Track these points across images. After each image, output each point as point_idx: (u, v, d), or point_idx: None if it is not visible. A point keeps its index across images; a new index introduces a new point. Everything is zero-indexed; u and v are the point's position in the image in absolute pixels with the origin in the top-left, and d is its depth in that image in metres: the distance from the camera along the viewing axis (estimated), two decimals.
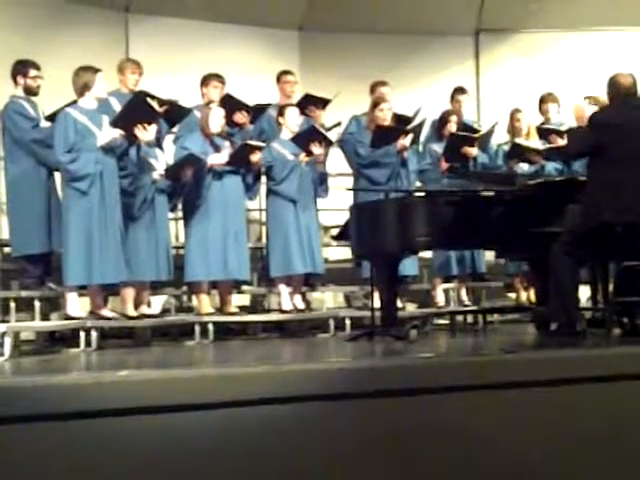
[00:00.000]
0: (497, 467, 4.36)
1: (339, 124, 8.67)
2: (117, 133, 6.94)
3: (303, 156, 7.97)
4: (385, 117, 8.27)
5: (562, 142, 8.39)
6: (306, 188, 8.04)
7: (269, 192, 8.12)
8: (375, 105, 8.35)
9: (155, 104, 7.14)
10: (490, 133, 8.76)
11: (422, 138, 8.79)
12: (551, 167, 8.49)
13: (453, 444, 4.28)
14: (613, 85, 6.12)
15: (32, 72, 7.35)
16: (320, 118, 8.56)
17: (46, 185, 7.22)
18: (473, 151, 8.47)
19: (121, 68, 7.75)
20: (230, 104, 7.97)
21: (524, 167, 8.55)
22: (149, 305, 7.80)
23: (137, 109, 7.03)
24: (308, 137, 7.98)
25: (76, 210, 6.82)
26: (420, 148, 8.74)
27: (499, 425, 4.39)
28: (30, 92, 7.37)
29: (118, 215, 6.97)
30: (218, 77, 8.13)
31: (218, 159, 7.64)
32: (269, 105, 8.51)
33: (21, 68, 7.35)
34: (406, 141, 8.21)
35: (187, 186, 7.55)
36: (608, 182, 5.91)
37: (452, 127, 8.64)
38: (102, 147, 6.87)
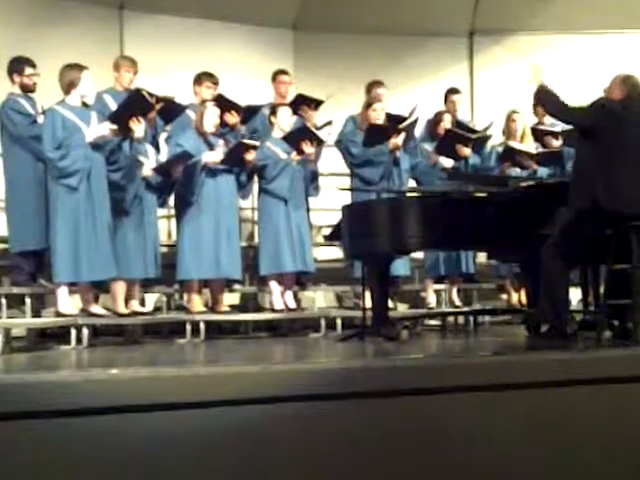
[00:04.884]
0: (486, 468, 4.37)
1: (330, 123, 8.67)
2: (106, 130, 6.97)
3: (294, 155, 7.97)
4: (378, 117, 8.28)
5: (557, 144, 8.44)
6: (297, 187, 8.05)
7: (261, 191, 8.13)
8: (368, 105, 8.36)
9: (149, 97, 7.16)
10: (487, 137, 8.75)
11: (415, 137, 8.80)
12: (544, 172, 8.50)
13: (443, 445, 4.29)
14: (633, 85, 6.14)
15: (27, 70, 7.35)
16: (312, 118, 8.56)
17: (44, 181, 7.20)
18: (467, 151, 8.47)
19: (116, 66, 7.76)
20: (222, 104, 7.96)
21: (517, 170, 8.57)
22: (143, 303, 7.80)
23: (133, 103, 7.07)
24: (299, 136, 7.98)
25: (64, 207, 6.83)
26: (413, 145, 8.73)
27: (489, 427, 4.40)
28: (26, 89, 7.37)
29: (106, 212, 6.99)
30: (211, 77, 8.12)
31: (212, 157, 7.63)
32: (261, 106, 8.50)
33: (16, 66, 7.36)
34: (398, 140, 8.22)
35: (178, 183, 7.55)
36: (597, 168, 5.94)
37: (446, 126, 8.64)
38: (90, 143, 6.89)
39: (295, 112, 8.40)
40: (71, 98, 7.01)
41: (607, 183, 5.89)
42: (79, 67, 7.00)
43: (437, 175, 8.47)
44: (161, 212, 7.93)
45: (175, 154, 7.51)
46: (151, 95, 7.26)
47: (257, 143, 7.93)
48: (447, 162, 8.56)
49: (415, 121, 8.41)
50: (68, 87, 6.98)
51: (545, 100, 6.39)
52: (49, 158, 6.87)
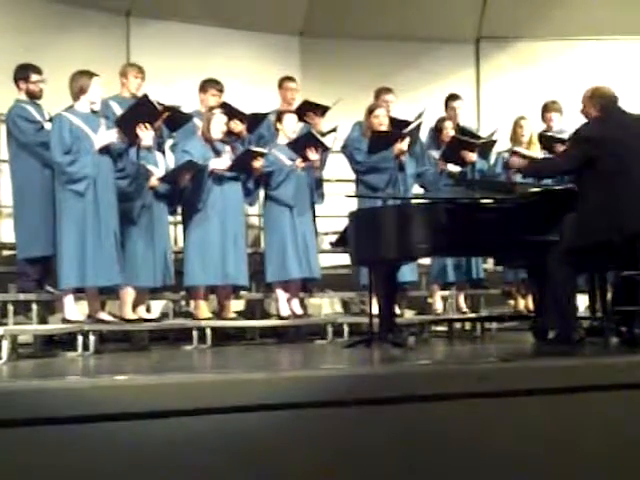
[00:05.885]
0: (492, 475, 4.35)
1: (335, 130, 8.67)
2: (114, 137, 6.96)
3: (299, 162, 7.97)
4: (381, 122, 8.27)
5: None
6: (303, 194, 8.05)
7: (266, 198, 8.13)
8: (370, 112, 8.36)
9: (156, 104, 7.17)
10: (492, 143, 8.75)
11: (424, 143, 8.81)
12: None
13: (450, 452, 4.28)
14: (602, 97, 6.12)
15: (34, 77, 7.37)
16: (319, 125, 8.55)
17: (51, 188, 7.20)
18: (472, 156, 8.47)
19: (124, 72, 7.76)
20: (227, 112, 7.95)
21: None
22: (149, 310, 7.80)
23: (141, 108, 7.07)
24: (304, 143, 7.99)
25: (70, 212, 6.83)
26: (418, 150, 8.72)
27: (496, 433, 4.39)
28: (33, 96, 7.39)
29: (113, 218, 6.98)
30: (217, 83, 8.13)
31: (220, 164, 7.64)
32: (267, 114, 8.49)
33: (22, 73, 7.38)
34: (403, 145, 8.22)
35: (186, 190, 7.55)
36: (600, 199, 5.92)
37: (449, 133, 8.66)
38: (99, 150, 6.90)
39: (301, 118, 8.40)
40: (80, 104, 7.01)
41: (613, 209, 5.88)
42: (89, 74, 7.00)
43: (445, 183, 8.47)
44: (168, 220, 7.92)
45: (180, 164, 7.50)
46: (159, 104, 7.26)
47: (265, 150, 7.93)
48: (454, 169, 8.56)
49: (419, 125, 8.41)
50: (77, 93, 6.98)
51: (533, 169, 6.57)
52: (57, 163, 6.87)
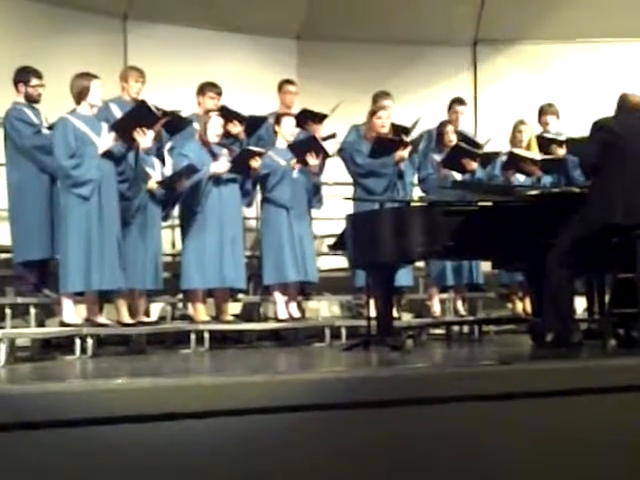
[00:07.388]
0: (492, 478, 4.35)
1: (334, 135, 8.67)
2: (112, 141, 6.94)
3: (294, 162, 7.96)
4: (383, 124, 8.27)
5: (562, 152, 8.43)
6: (300, 197, 8.06)
7: (264, 200, 8.13)
8: (373, 113, 8.36)
9: (154, 110, 7.15)
10: (496, 154, 8.75)
11: (420, 149, 8.80)
12: (547, 179, 8.50)
13: (448, 455, 4.28)
14: (620, 100, 6.19)
15: (33, 81, 7.35)
16: (317, 132, 8.53)
17: (48, 191, 7.20)
18: (474, 165, 8.47)
19: (124, 76, 7.76)
20: (225, 115, 7.95)
21: (520, 179, 8.57)
22: (147, 314, 7.79)
23: (138, 113, 7.04)
24: (306, 146, 7.99)
25: (74, 216, 6.82)
26: (417, 158, 8.72)
27: (494, 436, 4.39)
28: (31, 100, 7.37)
29: (116, 222, 6.97)
30: (214, 87, 8.13)
31: (219, 167, 7.63)
32: (265, 118, 8.49)
33: (23, 76, 7.36)
34: (404, 153, 8.22)
35: (182, 196, 7.55)
36: (595, 193, 5.95)
37: (451, 137, 8.65)
38: (102, 154, 6.88)
39: (299, 125, 8.38)
40: (82, 108, 6.99)
41: (623, 198, 5.91)
42: (89, 76, 6.97)
43: (442, 185, 8.46)
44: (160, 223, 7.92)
45: (180, 168, 7.48)
46: (158, 109, 7.25)
47: (262, 150, 7.93)
48: (458, 175, 8.55)
49: (422, 135, 8.43)
50: (78, 96, 6.96)
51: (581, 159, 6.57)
52: (62, 166, 6.85)
